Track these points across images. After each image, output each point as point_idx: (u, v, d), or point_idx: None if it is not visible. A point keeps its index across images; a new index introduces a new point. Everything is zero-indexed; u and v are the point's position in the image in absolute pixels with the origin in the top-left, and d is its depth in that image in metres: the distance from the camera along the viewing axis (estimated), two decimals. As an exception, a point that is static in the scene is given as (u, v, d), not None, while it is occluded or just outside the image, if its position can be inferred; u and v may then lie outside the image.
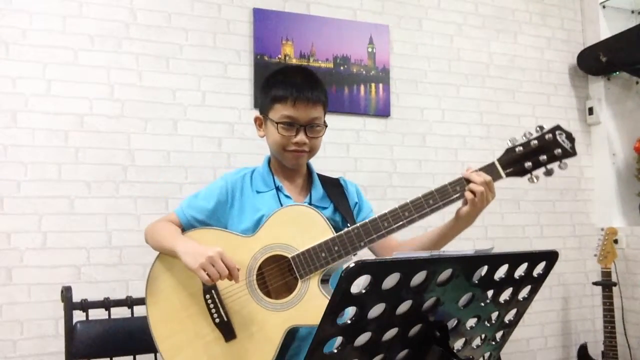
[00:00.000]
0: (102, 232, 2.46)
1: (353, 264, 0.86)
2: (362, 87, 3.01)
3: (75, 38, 2.49)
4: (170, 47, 2.66)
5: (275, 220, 1.47)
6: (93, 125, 2.49)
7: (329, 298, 1.33)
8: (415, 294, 0.96)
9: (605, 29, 3.52)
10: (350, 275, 0.86)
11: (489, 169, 1.40)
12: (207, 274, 1.36)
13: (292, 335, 1.43)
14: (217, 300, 1.45)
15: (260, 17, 2.81)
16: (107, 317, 1.94)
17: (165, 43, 2.65)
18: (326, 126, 1.56)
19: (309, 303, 1.40)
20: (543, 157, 1.36)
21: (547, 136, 1.37)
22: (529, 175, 1.39)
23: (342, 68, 2.97)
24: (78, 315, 1.88)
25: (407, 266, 0.92)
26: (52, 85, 2.44)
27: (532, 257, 1.11)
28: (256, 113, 1.65)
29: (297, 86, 1.49)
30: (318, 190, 1.62)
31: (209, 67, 2.72)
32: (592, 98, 3.60)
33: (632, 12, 3.60)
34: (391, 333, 0.98)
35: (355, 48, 3.01)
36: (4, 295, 2.30)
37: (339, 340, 0.93)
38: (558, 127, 1.38)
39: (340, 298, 0.88)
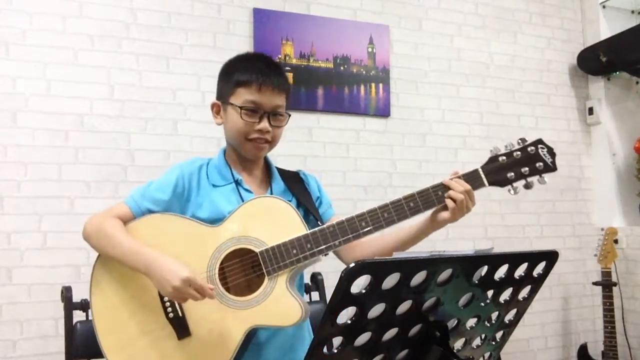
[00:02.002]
0: (102, 232, 2.46)
1: (353, 264, 0.86)
2: (362, 87, 3.00)
3: (75, 38, 2.49)
4: (170, 47, 2.66)
5: (244, 211, 1.37)
6: (93, 125, 2.49)
7: (297, 299, 1.31)
8: (415, 294, 0.96)
9: (605, 29, 3.52)
10: (350, 275, 0.86)
11: (473, 175, 1.39)
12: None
13: (252, 336, 1.35)
14: None
15: (260, 17, 2.81)
16: (107, 317, 1.94)
17: (165, 43, 2.65)
18: (289, 116, 1.51)
19: (275, 303, 1.32)
20: (525, 169, 1.37)
21: (529, 149, 1.37)
22: (509, 187, 1.39)
23: (342, 68, 2.97)
24: (78, 315, 1.87)
25: (407, 266, 0.92)
26: (52, 85, 2.44)
27: (532, 257, 1.11)
28: None
29: (262, 72, 1.44)
30: (279, 183, 1.54)
31: (209, 67, 2.71)
32: (592, 98, 3.60)
33: (632, 12, 3.60)
34: (391, 333, 0.98)
35: (355, 48, 3.01)
36: (4, 295, 2.31)
37: (339, 340, 0.93)
38: (540, 141, 1.39)
39: (340, 298, 0.88)
